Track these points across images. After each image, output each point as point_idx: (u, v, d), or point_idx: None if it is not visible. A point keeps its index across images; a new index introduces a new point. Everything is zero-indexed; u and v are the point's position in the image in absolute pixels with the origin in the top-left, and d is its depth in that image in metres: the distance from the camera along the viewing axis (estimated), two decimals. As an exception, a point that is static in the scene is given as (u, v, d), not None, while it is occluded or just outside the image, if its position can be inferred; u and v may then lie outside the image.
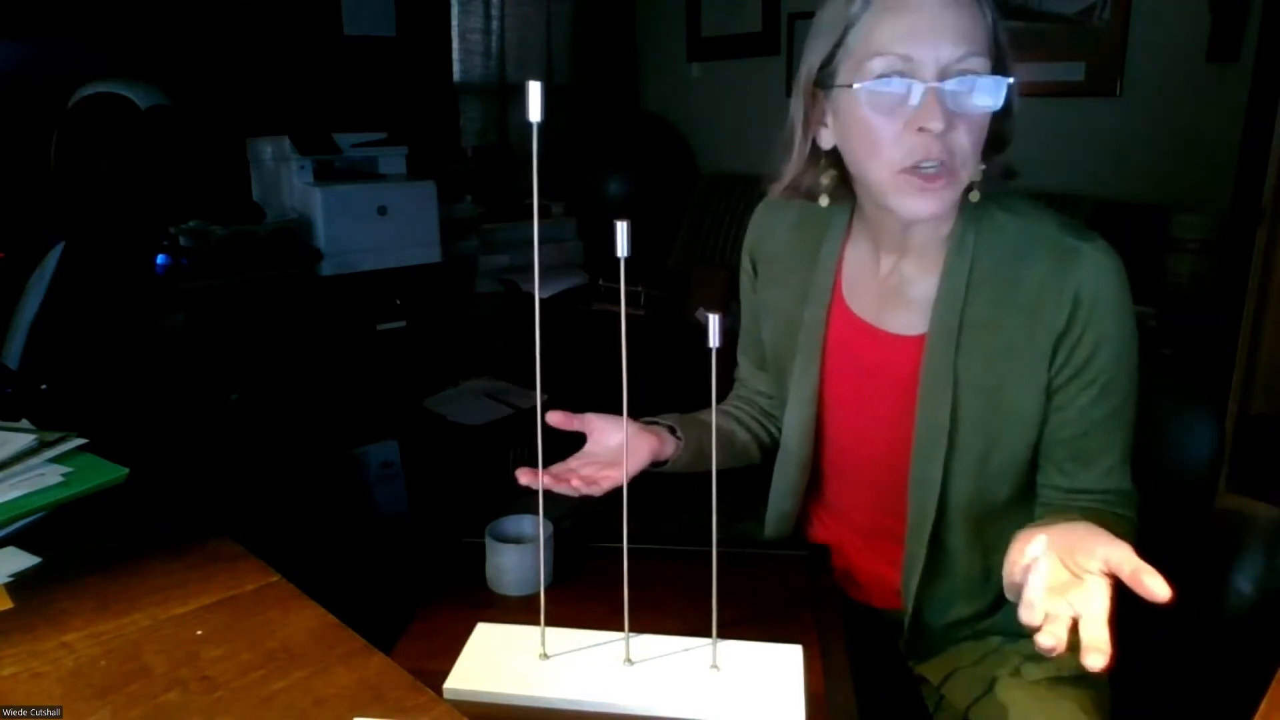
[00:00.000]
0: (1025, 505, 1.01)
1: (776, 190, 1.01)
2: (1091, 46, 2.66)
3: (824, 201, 0.98)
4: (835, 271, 1.04)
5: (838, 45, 0.89)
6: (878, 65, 0.85)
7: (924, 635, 1.06)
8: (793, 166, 0.97)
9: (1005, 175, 0.96)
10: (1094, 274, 0.90)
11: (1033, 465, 0.99)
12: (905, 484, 1.00)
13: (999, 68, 0.87)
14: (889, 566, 1.07)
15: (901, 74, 0.84)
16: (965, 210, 0.94)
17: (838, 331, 1.04)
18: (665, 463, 1.02)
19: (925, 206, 0.87)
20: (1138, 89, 2.67)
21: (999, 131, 0.92)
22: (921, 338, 0.97)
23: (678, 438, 1.03)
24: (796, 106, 0.95)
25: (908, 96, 0.84)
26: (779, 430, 1.14)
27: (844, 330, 1.03)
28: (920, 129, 0.84)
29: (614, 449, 0.96)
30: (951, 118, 0.83)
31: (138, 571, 0.86)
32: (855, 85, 0.86)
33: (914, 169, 0.85)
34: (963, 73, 0.84)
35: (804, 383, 1.05)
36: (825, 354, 1.04)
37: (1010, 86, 0.87)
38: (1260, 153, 2.37)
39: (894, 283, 1.00)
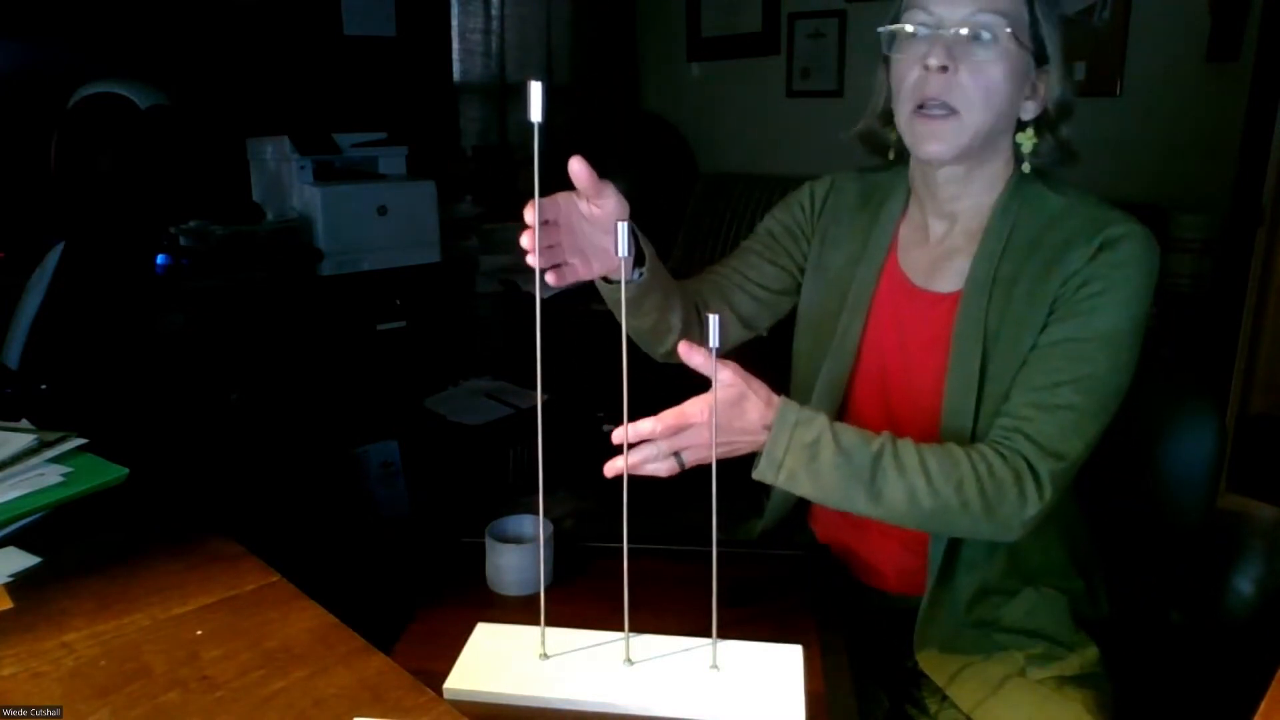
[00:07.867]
0: None
1: (852, 133, 1.13)
2: (1091, 46, 2.66)
3: (890, 155, 1.09)
4: (892, 234, 1.11)
5: (894, 19, 1.01)
6: (907, 18, 0.98)
7: (937, 618, 1.06)
8: (867, 117, 1.10)
9: (1065, 156, 1.02)
10: (1123, 232, 0.95)
11: None
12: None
13: (1031, 37, 0.96)
14: (905, 547, 1.08)
15: (925, 25, 0.96)
16: (1014, 184, 1.03)
17: (886, 290, 1.09)
18: (615, 282, 0.97)
19: (931, 145, 0.97)
20: (1138, 89, 2.67)
21: (1050, 110, 1.00)
22: (958, 294, 1.02)
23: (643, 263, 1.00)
24: (880, 74, 1.07)
25: (918, 36, 0.96)
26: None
27: (892, 289, 1.09)
28: (926, 66, 0.95)
29: (595, 224, 0.95)
30: (954, 60, 0.94)
31: (138, 571, 0.86)
32: (880, 29, 1.01)
33: (921, 109, 0.96)
34: (974, 25, 0.94)
35: (846, 338, 1.10)
36: (871, 312, 1.09)
37: (1042, 59, 0.97)
38: (1260, 153, 2.38)
39: (943, 250, 1.06)
